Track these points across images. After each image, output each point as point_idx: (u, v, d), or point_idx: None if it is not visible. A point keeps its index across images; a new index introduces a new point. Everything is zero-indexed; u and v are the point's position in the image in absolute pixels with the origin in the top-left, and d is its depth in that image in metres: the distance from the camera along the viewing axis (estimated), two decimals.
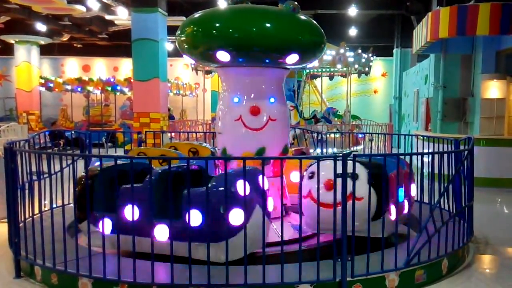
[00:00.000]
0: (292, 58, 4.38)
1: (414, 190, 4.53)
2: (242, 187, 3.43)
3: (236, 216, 3.44)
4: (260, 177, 3.64)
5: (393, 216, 3.88)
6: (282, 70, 4.71)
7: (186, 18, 4.66)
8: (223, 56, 4.22)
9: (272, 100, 4.65)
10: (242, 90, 4.61)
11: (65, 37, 18.66)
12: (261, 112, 4.56)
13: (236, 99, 4.59)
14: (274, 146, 4.72)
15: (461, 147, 4.71)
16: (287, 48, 4.31)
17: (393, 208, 3.93)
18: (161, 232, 3.59)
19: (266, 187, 3.73)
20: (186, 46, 4.45)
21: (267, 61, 4.49)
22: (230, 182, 3.45)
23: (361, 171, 3.88)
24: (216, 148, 5.22)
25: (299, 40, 4.35)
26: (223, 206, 3.40)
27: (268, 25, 4.25)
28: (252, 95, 4.60)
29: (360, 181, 3.75)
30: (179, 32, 4.46)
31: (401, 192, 4.09)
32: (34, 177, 4.06)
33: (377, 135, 11.30)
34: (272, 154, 4.64)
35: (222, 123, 4.74)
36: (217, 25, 4.23)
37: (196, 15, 4.46)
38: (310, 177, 4.11)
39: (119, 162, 3.85)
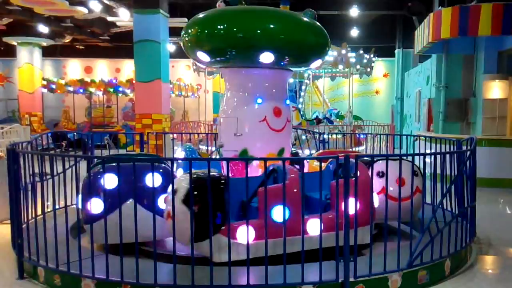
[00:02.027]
0: (317, 63, 4.63)
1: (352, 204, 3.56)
2: (109, 181, 3.73)
3: (95, 205, 3.82)
4: (150, 175, 3.78)
5: (242, 238, 3.51)
6: (291, 72, 4.81)
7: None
8: (267, 57, 4.21)
9: (287, 102, 4.76)
10: (265, 92, 4.61)
11: (67, 39, 18.71)
12: (282, 114, 4.62)
13: (259, 100, 4.59)
14: (288, 146, 4.85)
15: (463, 148, 4.70)
16: (320, 53, 4.52)
17: (243, 230, 3.49)
18: None
19: (155, 184, 3.65)
20: (216, 46, 4.28)
21: (300, 64, 4.64)
22: (98, 175, 3.81)
23: (180, 186, 3.51)
24: (220, 148, 5.17)
25: (325, 46, 4.52)
26: (85, 195, 3.87)
27: (314, 31, 4.39)
28: (274, 96, 4.64)
29: (177, 197, 3.42)
30: (209, 31, 4.29)
31: (277, 210, 3.59)
32: (37, 178, 4.06)
33: (379, 135, 11.29)
34: (287, 154, 4.74)
35: (243, 125, 4.61)
36: (270, 26, 4.20)
37: (217, 13, 4.35)
38: None
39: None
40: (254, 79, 4.61)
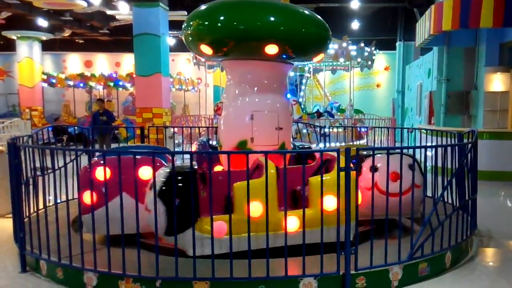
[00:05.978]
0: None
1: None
2: None
3: None
4: None
5: None
6: (292, 66, 4.96)
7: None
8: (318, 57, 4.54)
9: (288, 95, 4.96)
10: (286, 86, 4.81)
11: (67, 33, 18.64)
12: (293, 107, 4.91)
13: (288, 95, 4.79)
14: None
15: (465, 141, 4.69)
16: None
17: None
18: None
19: None
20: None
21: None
22: None
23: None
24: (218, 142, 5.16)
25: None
26: None
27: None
28: (288, 91, 4.89)
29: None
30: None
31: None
32: (38, 173, 4.07)
33: (380, 129, 11.28)
34: None
35: (282, 119, 4.65)
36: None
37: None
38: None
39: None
40: (283, 74, 4.75)
